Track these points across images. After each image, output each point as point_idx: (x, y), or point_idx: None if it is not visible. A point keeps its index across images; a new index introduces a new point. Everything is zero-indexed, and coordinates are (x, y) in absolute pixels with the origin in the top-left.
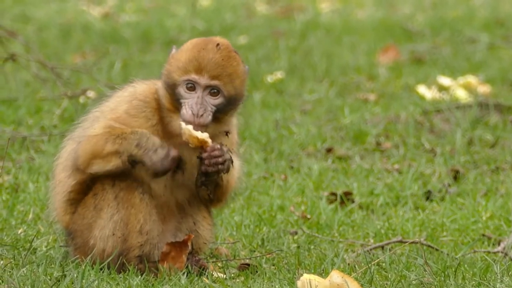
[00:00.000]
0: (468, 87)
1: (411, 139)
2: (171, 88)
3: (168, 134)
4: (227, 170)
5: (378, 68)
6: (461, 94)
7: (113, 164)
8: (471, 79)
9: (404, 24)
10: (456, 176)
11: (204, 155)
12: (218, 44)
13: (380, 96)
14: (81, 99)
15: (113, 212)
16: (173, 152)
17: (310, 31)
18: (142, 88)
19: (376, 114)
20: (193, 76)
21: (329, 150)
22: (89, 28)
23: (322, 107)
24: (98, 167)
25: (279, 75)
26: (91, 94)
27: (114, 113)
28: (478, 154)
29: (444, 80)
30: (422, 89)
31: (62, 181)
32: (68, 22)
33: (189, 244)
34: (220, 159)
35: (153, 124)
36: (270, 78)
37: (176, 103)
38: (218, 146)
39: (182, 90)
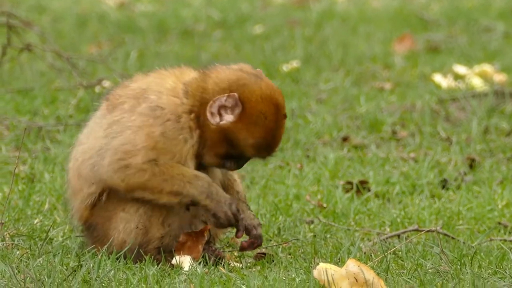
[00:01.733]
0: (484, 76)
1: (427, 128)
2: (231, 147)
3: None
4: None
5: (394, 57)
6: (477, 83)
7: (166, 200)
8: (487, 67)
9: (420, 13)
10: (472, 164)
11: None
12: (285, 116)
13: (396, 85)
14: (97, 89)
15: (138, 205)
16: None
17: (326, 20)
18: (170, 102)
19: (392, 103)
20: (263, 154)
21: (345, 139)
22: (104, 18)
23: (338, 96)
24: (144, 196)
25: (294, 64)
26: (106, 84)
27: (149, 139)
28: (494, 143)
29: (460, 69)
30: (438, 78)
31: (82, 190)
32: (83, 12)
33: (206, 234)
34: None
35: (192, 145)
36: (285, 67)
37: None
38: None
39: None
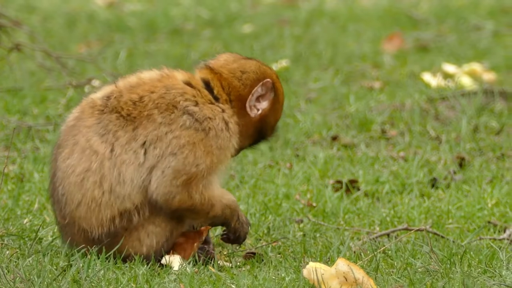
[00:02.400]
0: (473, 75)
1: (416, 127)
2: (259, 134)
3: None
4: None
5: (383, 56)
6: (466, 82)
7: (203, 221)
8: (476, 66)
9: (409, 12)
10: (462, 163)
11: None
12: None
13: (385, 84)
14: (86, 89)
15: (168, 219)
16: None
17: (315, 19)
18: (213, 109)
19: (381, 101)
20: (275, 133)
21: (334, 138)
22: (94, 18)
23: (327, 95)
24: (186, 215)
25: (284, 63)
26: (96, 83)
27: (208, 155)
28: (484, 141)
29: (449, 68)
30: (427, 77)
31: (112, 205)
32: (73, 12)
33: (204, 235)
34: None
35: (235, 149)
36: (275, 67)
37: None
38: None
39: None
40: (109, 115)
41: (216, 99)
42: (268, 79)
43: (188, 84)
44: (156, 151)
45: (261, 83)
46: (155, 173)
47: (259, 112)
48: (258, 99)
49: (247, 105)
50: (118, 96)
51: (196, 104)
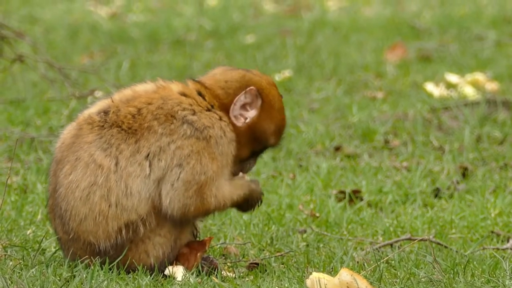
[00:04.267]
0: (476, 84)
1: (419, 137)
2: (257, 143)
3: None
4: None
5: (386, 66)
6: (469, 91)
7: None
8: (479, 76)
9: (412, 22)
10: (465, 173)
11: None
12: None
13: (388, 93)
14: (89, 100)
15: (172, 229)
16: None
17: (318, 30)
18: (211, 117)
19: (384, 112)
20: (281, 139)
21: (337, 148)
22: (96, 29)
23: (330, 105)
24: (202, 217)
25: (287, 73)
26: (99, 94)
27: (214, 162)
28: (487, 151)
29: (452, 78)
30: (430, 87)
31: (119, 217)
32: (75, 23)
33: (208, 245)
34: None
35: (234, 155)
36: (278, 77)
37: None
38: None
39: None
40: (110, 129)
41: (212, 106)
42: (252, 87)
43: (183, 94)
44: (161, 163)
45: (244, 91)
46: (164, 187)
47: (247, 121)
48: (244, 107)
49: (230, 115)
50: (116, 110)
51: (194, 113)
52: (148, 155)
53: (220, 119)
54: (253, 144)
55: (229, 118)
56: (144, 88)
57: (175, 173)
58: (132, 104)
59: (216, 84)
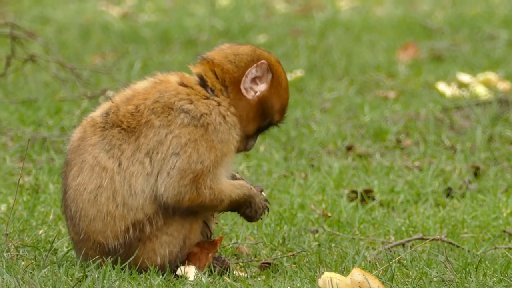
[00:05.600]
0: (487, 84)
1: (431, 136)
2: (263, 118)
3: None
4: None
5: (398, 66)
6: (481, 91)
7: (221, 209)
8: (491, 75)
9: (424, 22)
10: (477, 172)
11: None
12: None
13: (400, 93)
14: (101, 100)
15: (180, 228)
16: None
17: (329, 29)
18: (208, 104)
19: (396, 111)
20: (284, 117)
21: (349, 148)
22: (108, 29)
23: (342, 105)
24: (201, 211)
25: (298, 73)
26: (110, 94)
27: (211, 150)
28: (499, 151)
29: (464, 77)
30: (441, 86)
31: (125, 217)
32: (87, 23)
33: (219, 245)
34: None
35: (237, 140)
36: (289, 77)
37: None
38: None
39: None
40: (111, 130)
41: (212, 91)
42: (263, 61)
43: (181, 84)
44: (159, 155)
45: (255, 64)
46: (160, 176)
47: (257, 94)
48: (255, 81)
49: (241, 87)
50: (115, 110)
51: (191, 102)
52: (148, 151)
53: (219, 104)
54: (259, 120)
55: (232, 95)
56: (143, 85)
57: (172, 162)
58: (131, 103)
59: (225, 58)
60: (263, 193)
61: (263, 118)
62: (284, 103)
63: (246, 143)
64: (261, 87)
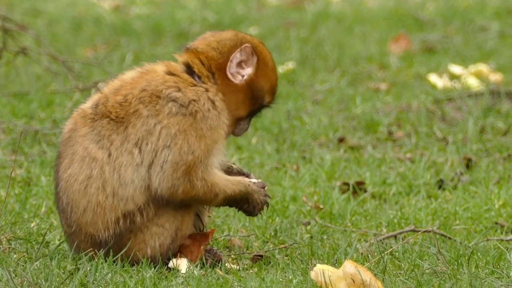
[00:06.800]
0: (479, 75)
1: (423, 128)
2: (253, 102)
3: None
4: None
5: (390, 57)
6: (473, 83)
7: (215, 204)
8: (483, 67)
9: (415, 13)
10: (469, 164)
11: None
12: None
13: (392, 85)
14: (93, 92)
15: (172, 220)
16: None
17: (321, 21)
18: (196, 91)
19: (387, 103)
20: (274, 98)
21: (341, 140)
22: (100, 21)
23: (333, 97)
24: (195, 203)
25: (290, 65)
26: (102, 86)
27: (201, 139)
28: (490, 142)
29: (456, 69)
30: (433, 78)
31: (115, 208)
32: (78, 15)
33: (211, 237)
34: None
35: (227, 124)
36: (281, 69)
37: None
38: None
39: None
40: (100, 121)
41: (199, 77)
42: (247, 44)
43: (168, 72)
44: (149, 146)
45: (239, 48)
46: (153, 169)
47: (245, 78)
48: (240, 65)
49: (227, 72)
50: (104, 101)
51: (179, 89)
52: (137, 141)
53: (207, 90)
54: (250, 103)
55: (219, 81)
56: (131, 75)
57: (164, 155)
58: (119, 93)
59: (209, 45)
60: (265, 188)
61: (253, 101)
62: (273, 83)
63: (238, 127)
64: (248, 71)
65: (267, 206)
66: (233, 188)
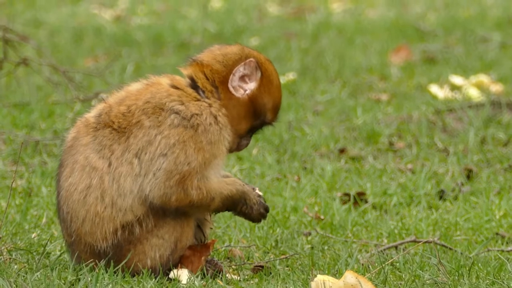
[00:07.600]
0: (480, 86)
1: (424, 139)
2: (255, 117)
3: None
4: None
5: (390, 68)
6: (474, 93)
7: (213, 210)
8: (483, 78)
9: (416, 24)
10: (469, 175)
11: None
12: None
13: (393, 96)
14: (94, 103)
15: (171, 231)
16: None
17: (322, 32)
18: (199, 105)
19: (388, 114)
20: (277, 116)
21: (342, 151)
22: (101, 32)
23: (334, 107)
24: (192, 212)
25: (291, 76)
26: (104, 96)
27: (199, 152)
28: (491, 153)
29: (457, 79)
30: (434, 89)
31: (114, 218)
32: (79, 26)
33: (211, 248)
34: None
35: (228, 141)
36: (282, 79)
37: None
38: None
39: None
40: (103, 130)
41: (203, 92)
42: (251, 59)
43: (173, 86)
44: (147, 155)
45: (243, 62)
46: (147, 176)
47: (247, 92)
48: (243, 79)
49: (229, 85)
50: (108, 111)
51: (182, 103)
52: (137, 152)
53: (210, 106)
54: (252, 119)
55: (222, 96)
56: (136, 87)
57: (159, 163)
58: (124, 103)
59: (214, 58)
60: (256, 190)
61: (255, 117)
62: (276, 101)
63: (239, 143)
64: (251, 85)
65: (267, 210)
66: (230, 188)
